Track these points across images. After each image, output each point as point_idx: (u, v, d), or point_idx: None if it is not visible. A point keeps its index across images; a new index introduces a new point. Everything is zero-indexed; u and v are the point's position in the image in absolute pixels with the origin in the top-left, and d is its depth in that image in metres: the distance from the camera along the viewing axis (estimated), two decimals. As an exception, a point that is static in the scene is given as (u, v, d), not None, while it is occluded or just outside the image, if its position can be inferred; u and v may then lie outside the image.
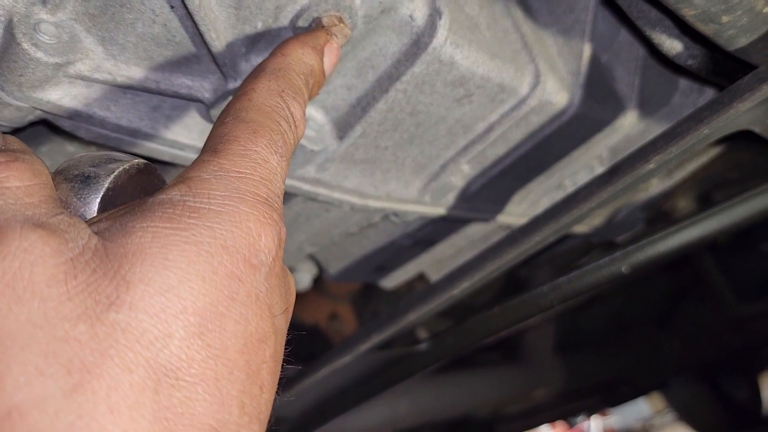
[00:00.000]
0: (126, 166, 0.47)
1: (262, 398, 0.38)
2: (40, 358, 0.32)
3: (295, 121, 0.48)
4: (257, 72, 0.51)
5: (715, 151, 1.18)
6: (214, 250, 0.37)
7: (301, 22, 0.59)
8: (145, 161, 0.49)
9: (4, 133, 0.45)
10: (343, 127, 0.72)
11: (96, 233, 0.38)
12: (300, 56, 0.53)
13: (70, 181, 0.46)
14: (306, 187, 0.76)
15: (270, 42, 0.61)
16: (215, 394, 0.35)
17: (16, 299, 0.33)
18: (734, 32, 0.66)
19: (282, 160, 0.45)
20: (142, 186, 0.49)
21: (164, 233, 0.37)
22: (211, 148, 0.44)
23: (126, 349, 0.33)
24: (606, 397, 2.39)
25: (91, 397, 0.32)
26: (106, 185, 0.45)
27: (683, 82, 0.91)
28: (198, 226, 0.38)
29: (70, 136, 0.68)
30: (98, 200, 0.45)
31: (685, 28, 0.69)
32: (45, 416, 0.31)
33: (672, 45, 0.72)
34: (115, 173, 0.46)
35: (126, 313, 0.34)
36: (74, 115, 0.61)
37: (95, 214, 0.44)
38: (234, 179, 0.41)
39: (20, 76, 0.57)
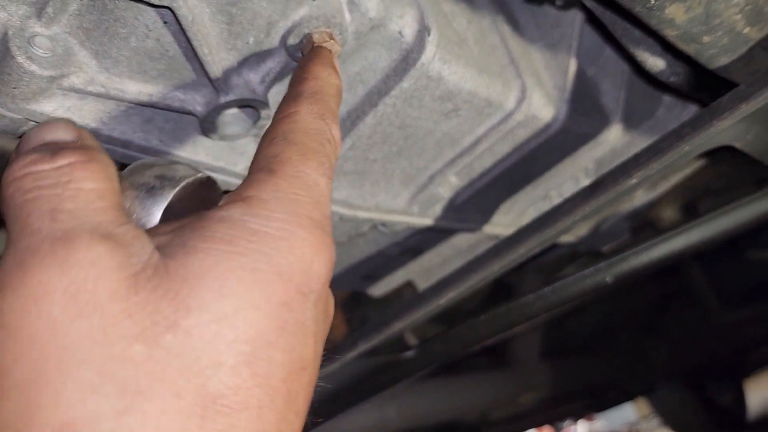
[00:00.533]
0: (191, 180, 0.48)
1: (297, 423, 0.39)
2: (96, 375, 0.32)
3: (336, 143, 0.50)
4: (296, 95, 0.52)
5: (699, 163, 1.20)
6: (270, 278, 0.38)
7: (292, 39, 0.60)
8: (207, 175, 0.50)
9: None
10: (332, 139, 0.73)
11: (157, 247, 0.38)
12: (328, 78, 0.54)
13: (135, 188, 0.47)
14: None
15: (261, 58, 0.62)
16: (257, 421, 0.36)
17: (78, 312, 0.33)
18: (715, 51, 0.68)
19: (329, 182, 0.46)
20: (203, 198, 0.50)
21: (224, 257, 0.38)
22: (264, 167, 0.44)
23: (178, 375, 0.34)
24: (592, 401, 2.41)
25: (140, 419, 0.32)
26: (170, 198, 0.46)
27: (667, 97, 0.92)
28: (256, 252, 0.38)
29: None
30: (161, 212, 0.46)
31: (667, 47, 0.71)
32: None
33: (655, 62, 0.74)
34: (180, 186, 0.47)
35: (182, 339, 0.35)
36: (67, 126, 0.62)
37: (156, 224, 0.45)
38: (291, 201, 0.42)
39: (14, 88, 0.58)
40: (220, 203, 0.42)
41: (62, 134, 0.42)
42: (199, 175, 0.49)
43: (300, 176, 0.44)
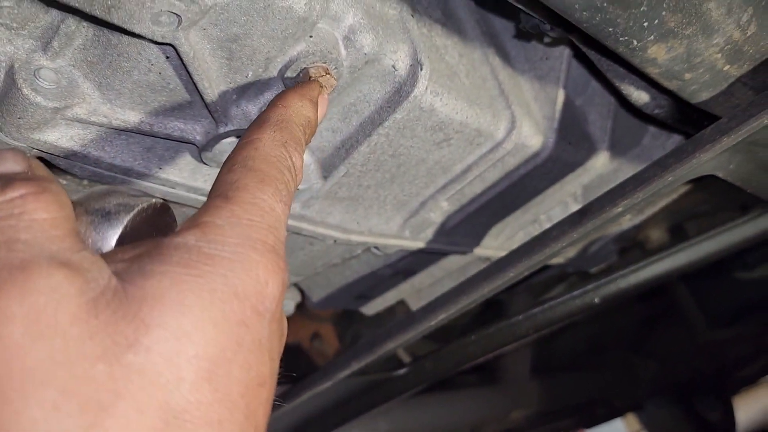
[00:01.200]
0: (145, 204, 0.49)
1: None
2: (58, 395, 0.33)
3: (296, 171, 0.51)
4: (261, 122, 0.53)
5: (685, 187, 1.22)
6: (227, 298, 0.39)
7: (290, 73, 0.63)
8: (162, 201, 0.51)
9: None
10: (327, 167, 0.75)
11: (114, 272, 0.39)
12: (299, 108, 0.56)
13: (91, 214, 0.47)
14: (291, 222, 0.79)
15: (259, 90, 0.64)
16: None
17: (39, 336, 0.34)
18: (697, 87, 0.71)
19: (285, 208, 0.48)
20: (157, 224, 0.51)
21: (181, 279, 0.39)
22: (221, 193, 0.46)
23: (140, 391, 0.35)
24: (582, 417, 2.42)
25: None
26: (125, 222, 0.47)
27: (653, 126, 0.95)
28: (212, 273, 0.40)
29: (64, 171, 0.71)
30: (116, 236, 0.47)
31: (651, 82, 0.73)
32: None
33: (639, 96, 0.77)
34: (134, 211, 0.48)
35: (143, 356, 0.35)
36: (70, 154, 0.64)
37: (111, 249, 0.46)
38: (245, 227, 0.43)
39: (19, 118, 0.60)
40: (177, 229, 0.43)
41: (12, 165, 0.42)
42: (154, 200, 0.50)
43: (256, 203, 0.45)
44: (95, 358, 0.34)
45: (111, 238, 0.47)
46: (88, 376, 0.34)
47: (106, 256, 0.41)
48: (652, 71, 0.65)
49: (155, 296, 0.37)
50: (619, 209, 0.75)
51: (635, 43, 0.60)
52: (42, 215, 0.38)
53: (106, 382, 0.34)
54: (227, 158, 0.50)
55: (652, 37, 0.60)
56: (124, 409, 0.34)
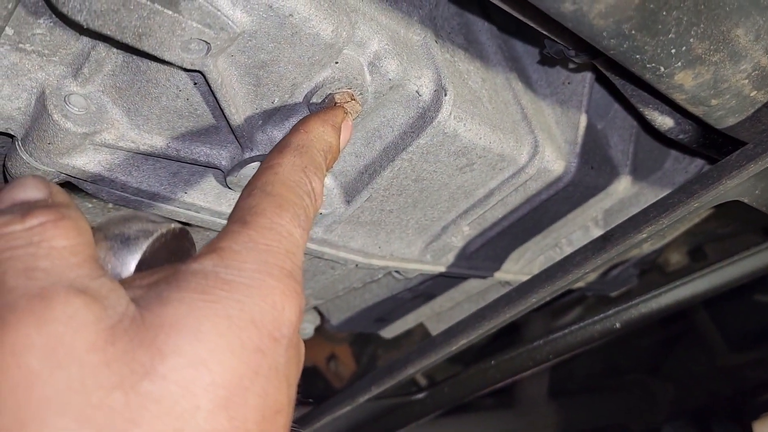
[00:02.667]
0: (164, 230, 0.49)
1: None
2: (75, 423, 0.33)
3: (315, 196, 0.51)
4: (282, 147, 0.54)
5: (708, 211, 1.21)
6: (243, 324, 0.39)
7: (315, 98, 0.63)
8: (181, 226, 0.51)
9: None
10: (350, 191, 0.75)
11: (133, 299, 0.39)
12: (321, 134, 0.57)
13: (110, 239, 0.47)
14: (313, 246, 0.79)
15: (285, 115, 0.65)
16: None
17: (57, 364, 0.34)
18: (723, 113, 0.70)
19: (304, 233, 0.48)
20: (176, 250, 0.51)
21: (198, 305, 0.39)
22: (239, 218, 0.46)
23: (156, 420, 0.35)
24: (599, 441, 2.39)
25: None
26: (144, 248, 0.47)
27: (675, 150, 0.95)
28: (229, 300, 0.40)
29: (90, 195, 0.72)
30: (135, 262, 0.47)
31: (676, 107, 0.73)
32: None
33: (664, 121, 0.76)
34: (153, 237, 0.48)
35: (159, 384, 0.36)
36: (98, 179, 0.65)
37: (130, 274, 0.46)
38: (262, 252, 0.43)
39: (49, 144, 0.60)
40: (195, 255, 0.43)
41: (32, 193, 0.42)
42: (173, 225, 0.50)
43: (274, 227, 0.45)
44: (112, 387, 0.35)
45: (130, 264, 0.47)
46: (105, 405, 0.34)
47: (125, 282, 0.42)
48: (679, 97, 0.65)
49: (172, 323, 0.37)
50: (644, 235, 0.75)
51: (662, 69, 0.60)
52: (61, 243, 0.39)
53: (123, 411, 0.34)
54: (247, 183, 0.50)
55: (679, 63, 0.60)
56: None
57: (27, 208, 0.40)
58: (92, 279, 0.38)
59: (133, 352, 0.36)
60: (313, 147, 0.55)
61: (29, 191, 0.43)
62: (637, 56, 0.57)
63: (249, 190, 0.49)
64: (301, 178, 0.51)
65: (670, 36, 0.56)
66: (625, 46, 0.55)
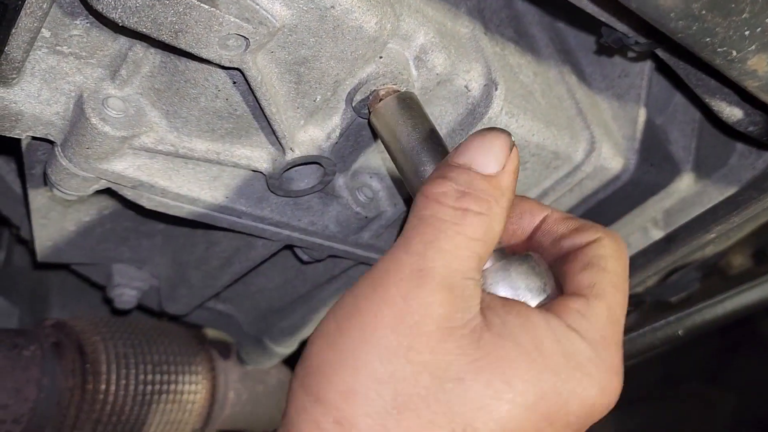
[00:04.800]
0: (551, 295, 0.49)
1: None
2: (438, 416, 0.40)
3: None
4: (591, 224, 0.53)
5: (772, 209, 1.15)
6: (552, 400, 0.42)
7: (359, 95, 0.60)
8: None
9: None
10: (396, 193, 0.72)
11: (483, 310, 0.43)
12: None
13: (505, 259, 0.49)
14: (360, 252, 0.76)
15: (327, 114, 0.62)
16: None
17: (386, 337, 0.41)
18: (798, 102, 0.65)
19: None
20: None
21: (525, 359, 0.42)
22: (590, 294, 0.47)
23: (442, 416, 0.40)
24: (656, 453, 2.31)
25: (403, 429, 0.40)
26: (540, 300, 0.48)
27: (741, 144, 0.89)
28: (552, 372, 0.42)
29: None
30: (510, 290, 0.48)
31: (746, 97, 0.68)
32: None
33: (732, 112, 0.71)
34: (540, 300, 0.48)
35: (458, 393, 0.41)
36: (137, 184, 0.63)
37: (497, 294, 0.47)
38: (605, 338, 0.45)
39: (88, 148, 0.59)
40: (554, 306, 0.46)
41: (490, 164, 0.46)
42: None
43: (613, 308, 0.47)
44: (425, 373, 0.40)
45: (502, 293, 0.48)
46: (415, 381, 0.41)
47: (487, 296, 0.45)
48: (751, 84, 0.60)
49: (499, 357, 0.41)
50: (712, 235, 0.70)
51: (734, 53, 0.55)
52: (468, 232, 0.43)
53: (426, 397, 0.41)
54: (575, 251, 0.50)
55: (753, 47, 0.55)
56: (426, 418, 0.41)
57: (463, 192, 0.44)
58: (464, 277, 0.43)
59: (455, 358, 0.41)
60: None
61: (489, 157, 0.46)
62: (707, 39, 0.53)
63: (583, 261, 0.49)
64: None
65: (743, 16, 0.51)
66: (694, 28, 0.51)
